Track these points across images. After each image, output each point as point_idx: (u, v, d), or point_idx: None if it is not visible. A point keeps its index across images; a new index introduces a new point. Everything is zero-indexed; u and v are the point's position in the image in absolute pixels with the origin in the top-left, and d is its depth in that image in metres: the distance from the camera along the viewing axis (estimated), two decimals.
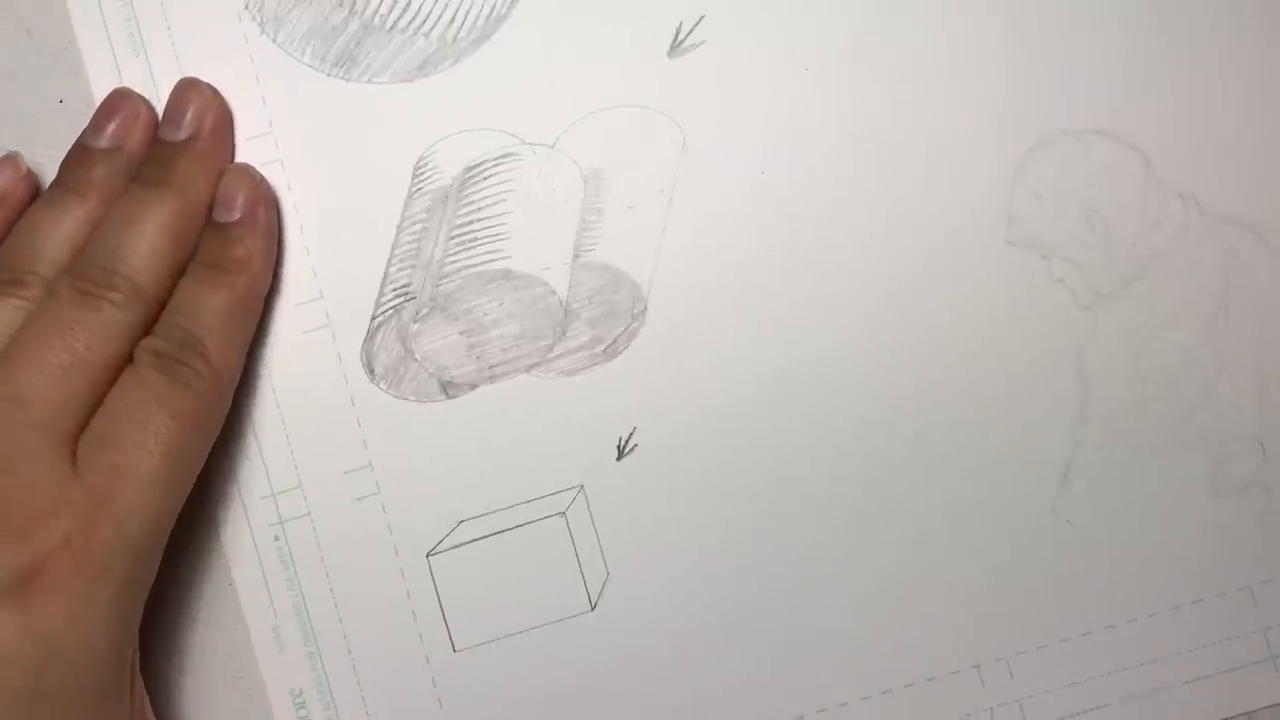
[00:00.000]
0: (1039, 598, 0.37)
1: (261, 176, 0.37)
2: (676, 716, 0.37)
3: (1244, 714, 0.37)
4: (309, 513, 0.38)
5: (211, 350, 0.35)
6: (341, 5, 0.38)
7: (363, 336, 0.38)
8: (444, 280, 0.37)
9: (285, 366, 0.38)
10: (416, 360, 0.38)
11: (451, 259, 0.37)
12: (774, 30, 0.38)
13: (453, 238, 0.37)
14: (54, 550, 0.32)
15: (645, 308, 0.38)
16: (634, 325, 0.38)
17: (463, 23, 0.38)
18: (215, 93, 0.37)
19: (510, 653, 0.37)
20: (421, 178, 0.38)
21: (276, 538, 0.38)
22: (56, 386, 0.33)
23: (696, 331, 0.38)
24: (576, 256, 0.38)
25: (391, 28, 0.38)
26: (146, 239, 0.35)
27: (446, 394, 0.38)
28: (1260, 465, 0.37)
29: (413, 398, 0.38)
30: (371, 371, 0.38)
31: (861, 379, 0.37)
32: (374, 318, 0.38)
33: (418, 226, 0.38)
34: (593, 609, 0.37)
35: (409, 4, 0.38)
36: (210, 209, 0.37)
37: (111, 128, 0.37)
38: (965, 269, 0.37)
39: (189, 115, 0.37)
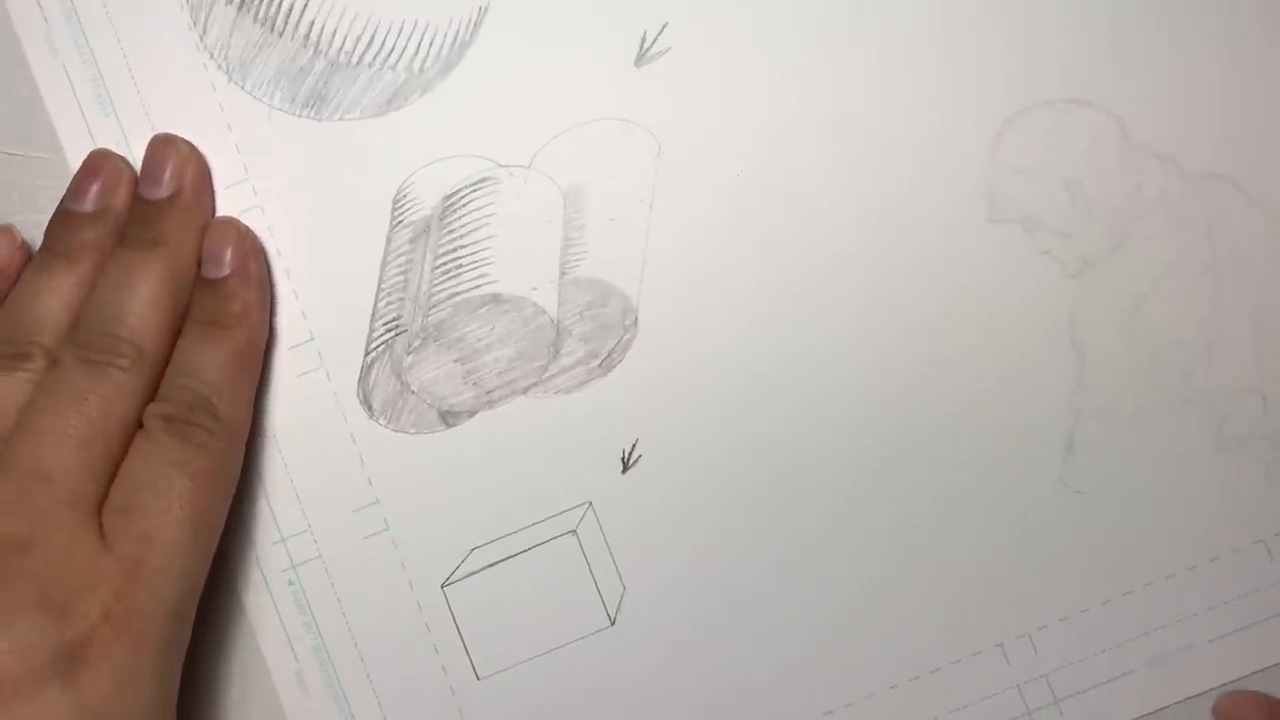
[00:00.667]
0: (1055, 570, 0.37)
1: (247, 228, 0.37)
2: (714, 713, 0.37)
3: (1271, 666, 0.37)
4: (320, 555, 0.38)
5: (220, 408, 0.35)
6: (306, 45, 0.38)
7: (357, 374, 0.38)
8: (433, 310, 0.37)
9: (283, 410, 0.38)
10: (413, 392, 0.38)
11: (439, 288, 0.37)
12: (737, 30, 0.38)
13: (438, 267, 0.37)
14: (96, 624, 0.32)
15: (636, 318, 0.38)
16: (627, 337, 0.38)
17: (428, 53, 0.38)
18: (191, 147, 0.37)
19: (534, 675, 0.37)
20: (402, 210, 0.38)
21: (291, 582, 0.38)
22: (77, 458, 0.34)
23: (690, 336, 0.38)
24: (563, 274, 0.38)
25: (358, 64, 0.38)
26: (144, 301, 0.35)
27: (446, 423, 0.38)
28: (1263, 417, 0.37)
29: (413, 430, 0.38)
30: (369, 408, 0.38)
31: (857, 369, 0.37)
32: (367, 354, 0.38)
33: (402, 259, 0.38)
34: (612, 624, 0.37)
35: (373, 39, 0.38)
36: (199, 258, 0.37)
37: (94, 190, 0.37)
38: (951, 250, 0.37)
39: (168, 172, 0.37)
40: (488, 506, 0.37)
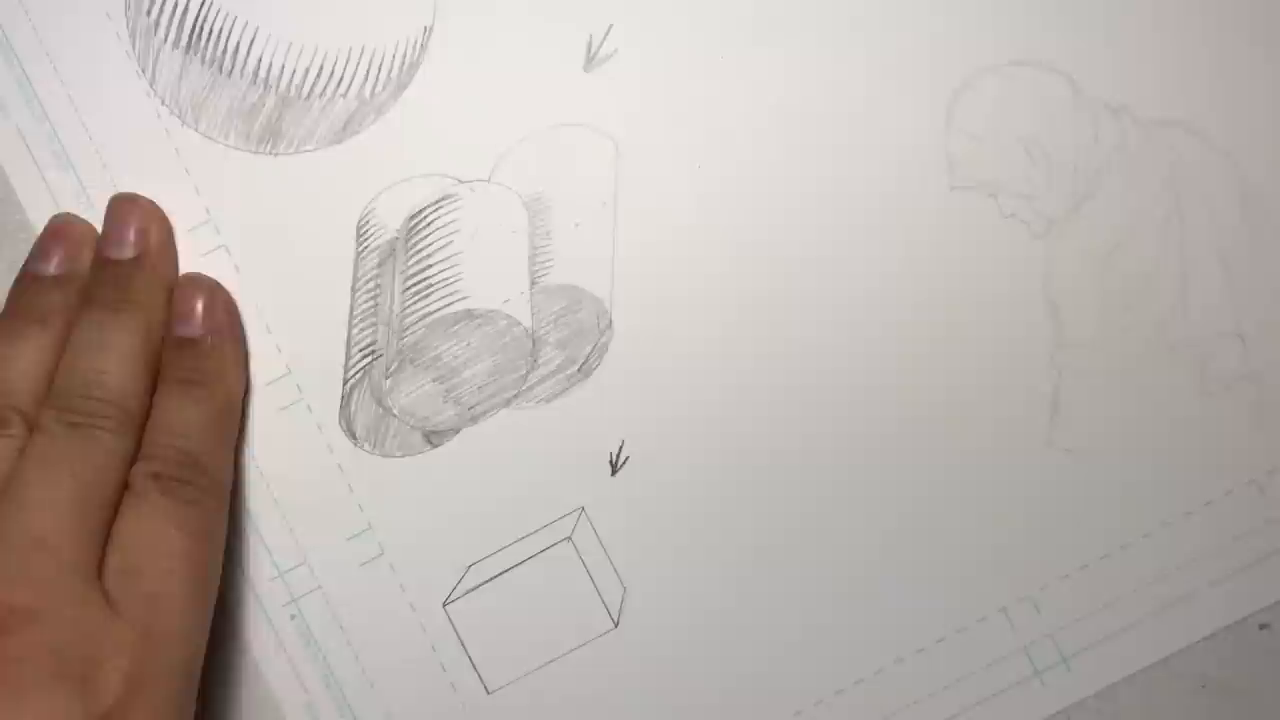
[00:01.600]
0: (1051, 530, 0.37)
1: (215, 282, 0.38)
2: (723, 708, 0.37)
3: (1276, 604, 0.37)
4: (320, 585, 0.38)
5: (207, 464, 0.36)
6: (256, 83, 0.38)
7: (338, 403, 0.38)
8: (407, 332, 0.37)
9: (267, 446, 0.38)
10: (395, 416, 0.38)
11: (410, 309, 0.37)
12: (681, 26, 0.38)
13: (408, 288, 0.38)
14: (120, 693, 0.32)
15: (611, 320, 0.38)
16: (603, 340, 0.38)
17: (377, 77, 0.38)
18: (152, 204, 0.38)
19: (544, 684, 0.37)
20: (366, 235, 0.38)
21: (293, 616, 0.38)
22: (73, 523, 0.33)
23: (666, 334, 0.38)
24: (534, 283, 0.38)
25: (309, 95, 0.38)
26: (122, 362, 0.35)
27: (431, 443, 0.38)
28: (1243, 358, 0.37)
29: (399, 453, 0.38)
30: (353, 435, 0.38)
31: (835, 352, 0.37)
32: (345, 382, 0.38)
33: (371, 284, 0.38)
34: (616, 625, 0.37)
35: (321, 70, 0.38)
36: (168, 316, 0.37)
37: (59, 254, 0.37)
38: (916, 223, 0.37)
39: (132, 233, 0.37)
40: (481, 522, 0.38)
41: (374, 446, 0.38)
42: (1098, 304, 0.37)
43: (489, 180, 0.38)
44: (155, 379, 0.36)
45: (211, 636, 0.37)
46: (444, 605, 0.37)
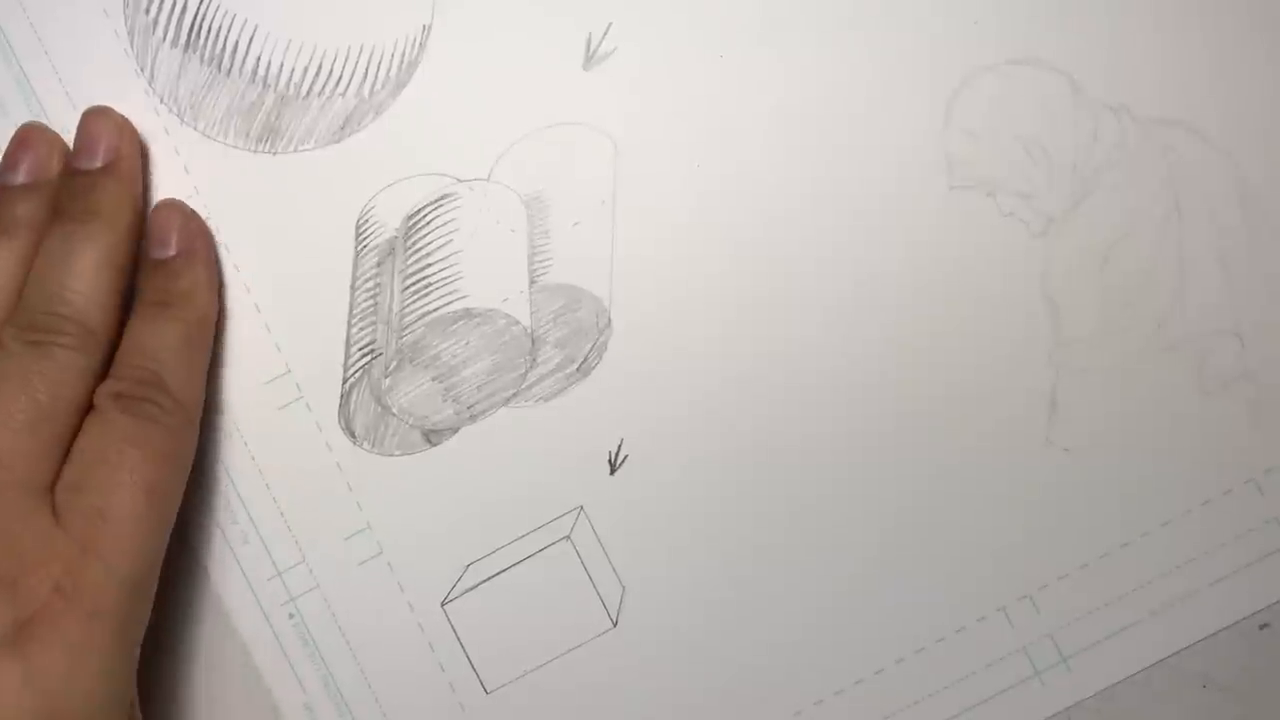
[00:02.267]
0: (1050, 529, 0.37)
1: (192, 210, 0.37)
2: (722, 707, 0.37)
3: (1274, 604, 0.37)
4: (318, 585, 0.38)
5: (172, 385, 0.35)
6: (255, 81, 0.38)
7: (337, 401, 0.38)
8: (406, 331, 0.37)
9: (266, 445, 0.38)
10: (394, 415, 0.38)
11: (410, 308, 0.37)
12: (681, 24, 0.38)
13: (407, 287, 0.38)
14: (46, 599, 0.32)
15: (609, 319, 0.38)
16: (602, 339, 0.38)
17: (376, 76, 0.38)
18: (124, 118, 0.37)
19: (543, 684, 0.37)
20: (365, 234, 0.38)
21: (291, 615, 0.38)
22: (27, 441, 0.33)
23: (665, 333, 0.38)
24: (533, 282, 0.38)
25: (308, 94, 0.38)
26: (86, 277, 0.35)
27: (430, 442, 0.38)
28: (1241, 356, 0.37)
29: (398, 452, 0.38)
30: (352, 434, 0.38)
31: (834, 351, 0.37)
32: (345, 381, 0.38)
33: (370, 283, 0.38)
34: (615, 625, 0.37)
35: (320, 68, 0.38)
36: (139, 231, 0.37)
37: (27, 163, 0.37)
38: (915, 223, 0.37)
39: (103, 143, 0.37)
40: (479, 521, 0.37)
41: (373, 445, 0.38)
42: (1096, 302, 0.37)
43: (488, 179, 0.38)
44: (125, 295, 0.36)
45: (210, 636, 0.37)
46: (442, 604, 0.37)
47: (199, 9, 0.38)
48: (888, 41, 0.37)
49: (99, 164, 0.36)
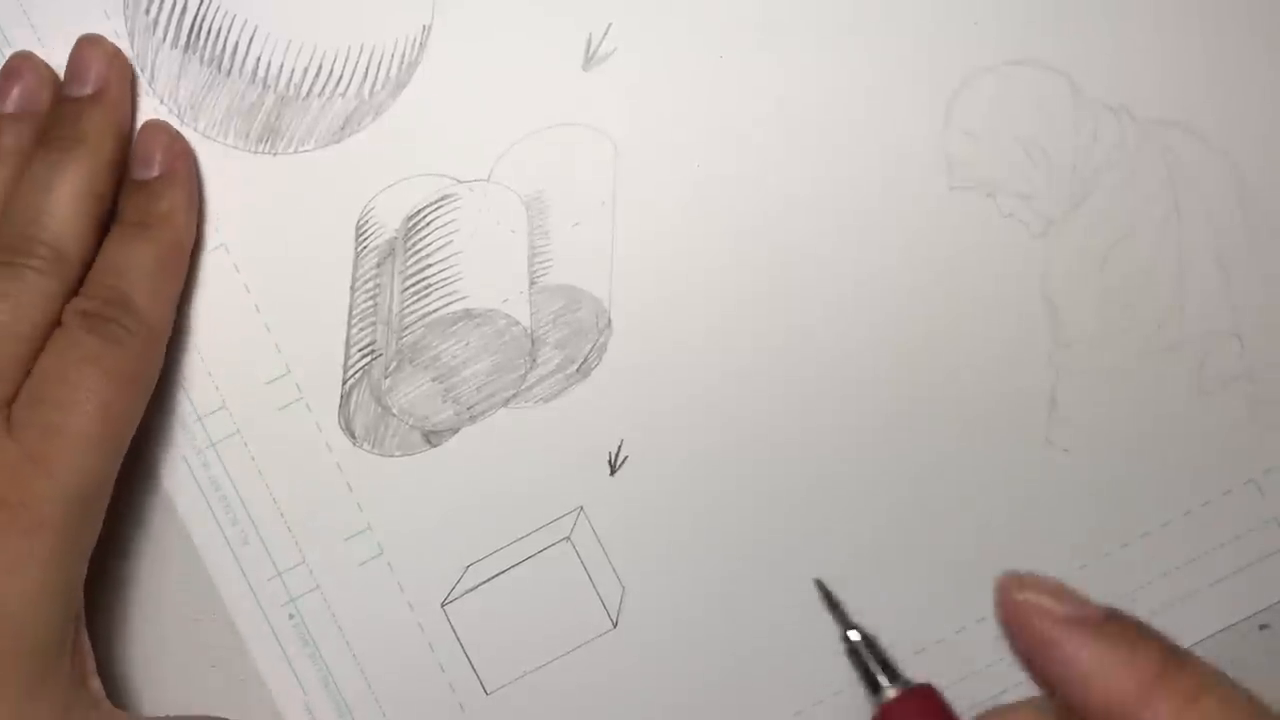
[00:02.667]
0: (1050, 530, 0.37)
1: (177, 131, 0.37)
2: (722, 707, 0.37)
3: (1275, 604, 0.37)
4: (318, 586, 0.38)
5: (140, 306, 0.35)
6: (255, 82, 0.38)
7: (337, 402, 0.38)
8: (406, 332, 0.37)
9: (266, 445, 0.38)
10: (394, 415, 0.38)
11: (410, 309, 0.37)
12: (680, 25, 0.38)
13: (407, 288, 0.38)
14: None
15: (609, 320, 0.38)
16: (601, 339, 0.38)
17: (376, 76, 0.38)
18: (115, 47, 0.37)
19: (543, 684, 0.37)
20: (365, 235, 0.38)
21: (291, 615, 0.38)
22: None
23: (664, 333, 0.38)
24: (532, 283, 0.38)
25: (308, 95, 0.38)
26: (64, 202, 0.35)
27: (430, 443, 0.38)
28: (1240, 357, 0.37)
29: (398, 453, 0.38)
30: (352, 435, 0.38)
31: (834, 352, 0.37)
32: (345, 382, 0.38)
33: (370, 284, 0.38)
34: (615, 626, 0.37)
35: (320, 69, 0.38)
36: (124, 160, 0.37)
37: (16, 91, 0.37)
38: (915, 223, 0.38)
39: (93, 70, 0.37)
40: (479, 522, 0.37)
41: (373, 446, 0.38)
42: (1096, 303, 0.38)
43: (488, 180, 0.38)
44: (104, 221, 0.36)
45: (210, 635, 0.37)
46: (442, 605, 0.37)
47: (199, 10, 0.38)
48: (887, 42, 0.38)
49: (88, 91, 0.37)
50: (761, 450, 0.37)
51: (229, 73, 0.38)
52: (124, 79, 0.37)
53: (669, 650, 0.37)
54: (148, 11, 0.38)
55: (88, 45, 0.37)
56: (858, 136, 0.38)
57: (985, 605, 0.37)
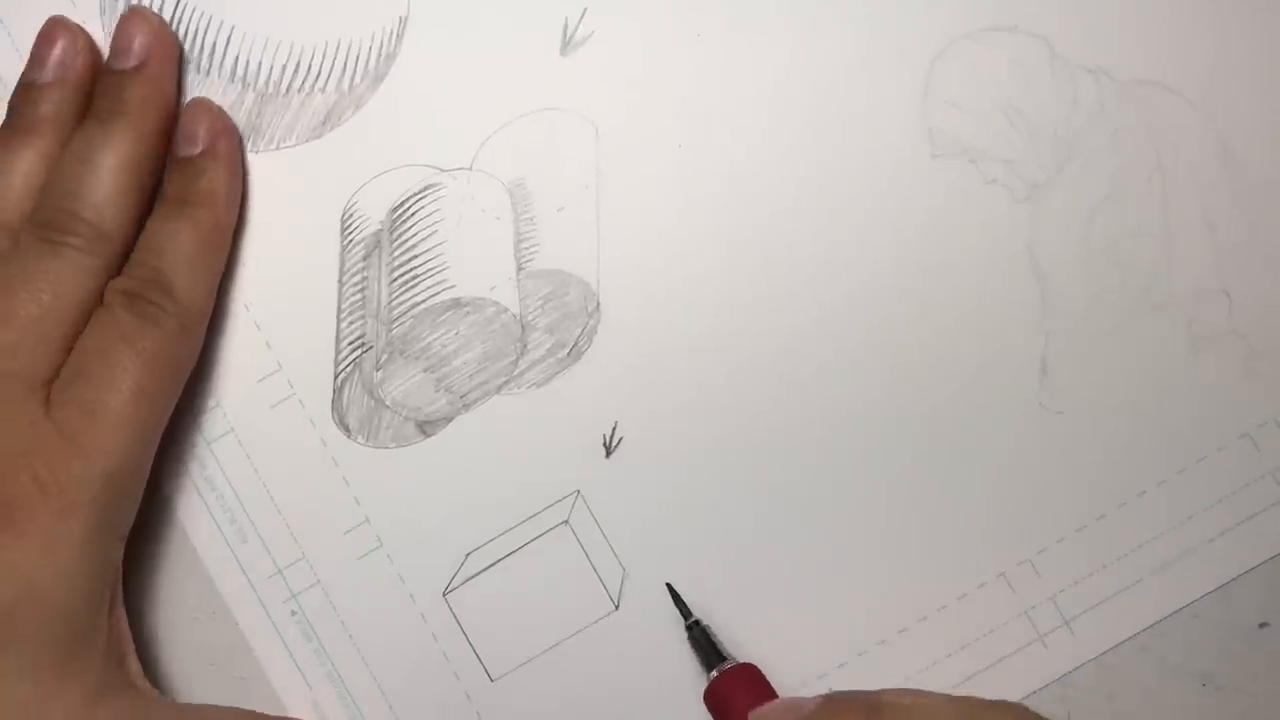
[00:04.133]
0: (1047, 493, 0.37)
1: (220, 108, 0.37)
2: None
3: (1273, 558, 0.37)
4: (319, 581, 0.38)
5: (178, 287, 0.35)
6: (234, 81, 0.38)
7: (330, 397, 0.38)
8: (396, 323, 0.37)
9: (261, 443, 0.38)
10: (388, 407, 0.38)
11: (398, 300, 0.37)
12: (655, 5, 0.38)
13: (394, 280, 0.38)
14: (23, 487, 0.32)
15: (598, 303, 0.38)
16: (591, 322, 0.38)
17: (355, 69, 0.38)
18: (161, 20, 0.37)
19: (548, 669, 0.37)
20: (351, 228, 0.38)
21: (293, 612, 0.38)
22: (28, 336, 0.34)
23: (654, 314, 0.38)
24: (520, 269, 0.38)
25: (287, 91, 0.38)
26: (106, 178, 0.35)
27: (425, 433, 0.38)
28: (1229, 313, 0.37)
29: (393, 445, 0.38)
30: (347, 429, 0.38)
31: (823, 325, 0.37)
32: (336, 376, 0.38)
33: (358, 277, 0.38)
34: (617, 607, 0.37)
35: (298, 65, 0.38)
36: (167, 135, 0.36)
37: (53, 57, 0.36)
38: (899, 193, 0.38)
39: (137, 43, 0.36)
40: (477, 510, 0.37)
41: (368, 439, 0.38)
42: (1083, 266, 0.38)
43: (470, 168, 0.38)
44: (148, 195, 0.36)
45: (211, 635, 0.37)
46: (444, 594, 0.37)
47: (175, 12, 0.38)
48: (864, 13, 0.38)
49: (132, 64, 0.36)
50: (755, 425, 0.37)
51: (208, 73, 0.38)
52: (168, 52, 0.37)
53: (672, 631, 0.37)
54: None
55: (133, 18, 0.37)
56: (838, 109, 0.38)
57: (987, 570, 0.37)
